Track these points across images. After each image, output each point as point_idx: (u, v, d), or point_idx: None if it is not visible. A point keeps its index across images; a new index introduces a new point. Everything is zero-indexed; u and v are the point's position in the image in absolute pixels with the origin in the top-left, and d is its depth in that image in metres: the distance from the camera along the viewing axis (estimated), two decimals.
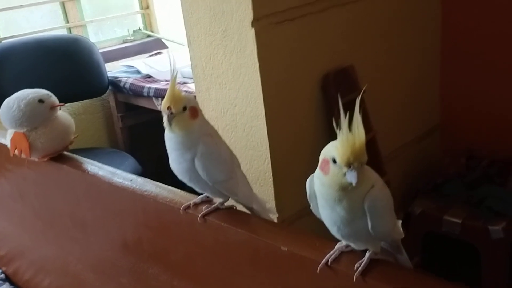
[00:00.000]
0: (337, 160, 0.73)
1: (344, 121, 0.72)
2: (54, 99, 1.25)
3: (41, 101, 1.22)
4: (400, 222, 0.87)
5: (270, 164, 1.46)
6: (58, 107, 1.25)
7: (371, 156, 1.76)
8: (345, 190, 0.75)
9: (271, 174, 1.47)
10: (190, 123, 0.93)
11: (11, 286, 1.72)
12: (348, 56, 1.63)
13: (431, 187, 1.95)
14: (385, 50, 1.79)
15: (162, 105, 0.91)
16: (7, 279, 1.75)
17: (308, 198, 0.83)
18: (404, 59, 1.88)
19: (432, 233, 1.84)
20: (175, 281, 1.09)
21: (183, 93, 0.94)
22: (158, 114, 0.96)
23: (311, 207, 0.84)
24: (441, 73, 2.07)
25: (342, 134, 0.73)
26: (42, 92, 1.24)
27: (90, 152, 2.41)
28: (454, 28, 1.99)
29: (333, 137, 0.75)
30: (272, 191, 1.49)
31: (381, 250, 0.85)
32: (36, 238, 1.52)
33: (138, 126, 2.60)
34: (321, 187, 0.79)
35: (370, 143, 1.66)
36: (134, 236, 1.14)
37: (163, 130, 0.96)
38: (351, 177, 0.72)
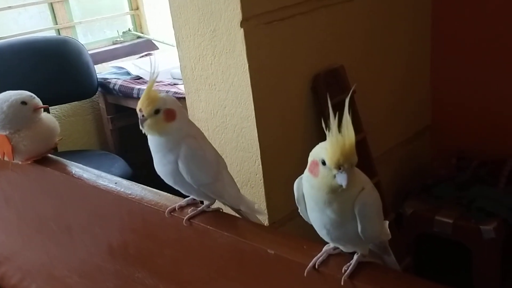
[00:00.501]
0: (327, 162, 0.72)
1: (333, 122, 0.71)
2: (38, 101, 1.22)
3: (24, 103, 1.19)
4: (387, 223, 0.86)
5: (260, 166, 1.45)
6: (42, 109, 1.23)
7: (362, 157, 1.76)
8: (335, 193, 0.74)
9: (262, 176, 1.46)
10: (164, 126, 0.91)
11: None
12: (338, 57, 1.63)
13: (422, 188, 1.95)
14: (376, 51, 1.78)
15: (137, 107, 0.90)
16: None
17: (296, 201, 0.82)
18: (395, 60, 1.88)
19: (423, 233, 1.84)
20: (161, 285, 1.07)
21: (161, 95, 0.91)
22: None
23: (299, 210, 0.83)
24: (432, 74, 2.07)
25: (332, 135, 0.71)
26: (25, 93, 1.21)
27: (79, 154, 2.40)
28: (444, 28, 1.99)
29: (324, 137, 0.74)
30: (263, 193, 1.48)
31: (369, 252, 0.84)
32: (22, 242, 1.49)
33: (128, 128, 2.58)
34: (310, 190, 0.77)
35: (361, 144, 1.65)
36: (119, 240, 1.12)
37: None
38: (341, 179, 0.71)
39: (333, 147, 0.71)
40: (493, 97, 1.97)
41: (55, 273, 1.40)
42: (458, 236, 1.75)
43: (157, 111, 0.90)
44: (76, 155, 2.34)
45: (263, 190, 1.47)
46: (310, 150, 0.77)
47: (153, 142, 0.94)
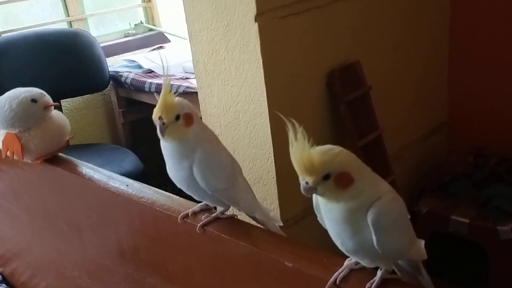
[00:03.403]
0: None
1: (290, 136, 0.71)
2: (48, 98, 1.20)
3: (34, 100, 1.17)
4: (422, 242, 0.81)
5: (273, 163, 1.42)
6: (52, 106, 1.21)
7: (378, 154, 1.72)
8: (337, 202, 0.72)
9: (274, 174, 1.43)
10: (184, 131, 0.88)
11: None
12: (354, 52, 1.59)
13: (437, 186, 1.91)
14: (392, 46, 1.75)
15: (154, 115, 0.86)
16: (4, 280, 1.72)
17: (314, 208, 0.79)
18: (412, 56, 1.84)
19: (438, 232, 1.81)
20: None
21: (177, 99, 0.88)
22: None
23: (318, 219, 0.79)
24: (449, 70, 2.03)
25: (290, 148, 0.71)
26: (35, 91, 1.19)
27: (91, 148, 2.39)
28: (462, 24, 1.94)
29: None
30: (276, 191, 1.45)
31: (399, 270, 0.80)
32: (32, 240, 1.48)
33: (140, 121, 2.57)
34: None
35: (377, 141, 1.63)
36: (130, 244, 1.10)
37: None
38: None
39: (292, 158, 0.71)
40: None
41: (65, 273, 1.39)
42: (474, 236, 1.72)
43: (177, 117, 0.87)
44: (87, 149, 2.33)
45: (276, 188, 1.45)
46: None
47: (169, 149, 0.91)
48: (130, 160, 2.24)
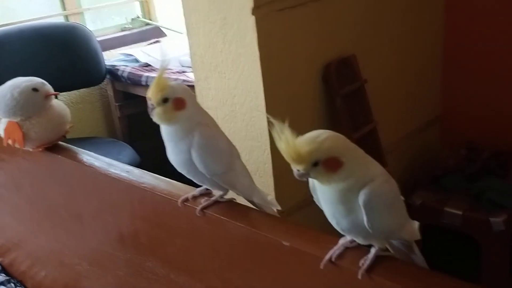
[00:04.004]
0: None
1: (274, 133, 0.72)
2: (49, 87, 1.21)
3: (35, 89, 1.19)
4: (416, 223, 0.83)
5: (270, 155, 1.44)
6: (53, 96, 1.22)
7: (372, 147, 1.73)
8: (329, 184, 0.74)
9: (271, 165, 1.45)
10: (174, 115, 0.90)
11: (7, 277, 1.70)
12: (350, 46, 1.61)
13: (430, 179, 1.94)
14: (387, 40, 1.77)
15: (147, 95, 0.89)
16: (3, 270, 1.73)
17: (310, 189, 0.81)
18: (406, 50, 1.86)
19: (432, 225, 1.83)
20: (172, 275, 1.07)
21: (171, 83, 0.90)
22: None
23: (314, 199, 0.82)
24: (443, 65, 2.05)
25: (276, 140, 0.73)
26: (36, 80, 1.20)
27: (87, 141, 2.39)
28: (457, 20, 1.96)
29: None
30: (272, 182, 1.47)
31: (393, 248, 0.82)
32: (32, 229, 1.50)
33: (136, 115, 2.58)
34: None
35: (371, 134, 1.65)
36: (130, 229, 1.12)
37: None
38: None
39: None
40: (504, 87, 1.94)
41: (65, 261, 1.40)
42: (468, 228, 1.74)
43: (165, 100, 0.89)
44: (84, 142, 2.33)
45: (272, 179, 1.47)
46: None
47: (165, 131, 0.93)
48: (127, 153, 2.25)
